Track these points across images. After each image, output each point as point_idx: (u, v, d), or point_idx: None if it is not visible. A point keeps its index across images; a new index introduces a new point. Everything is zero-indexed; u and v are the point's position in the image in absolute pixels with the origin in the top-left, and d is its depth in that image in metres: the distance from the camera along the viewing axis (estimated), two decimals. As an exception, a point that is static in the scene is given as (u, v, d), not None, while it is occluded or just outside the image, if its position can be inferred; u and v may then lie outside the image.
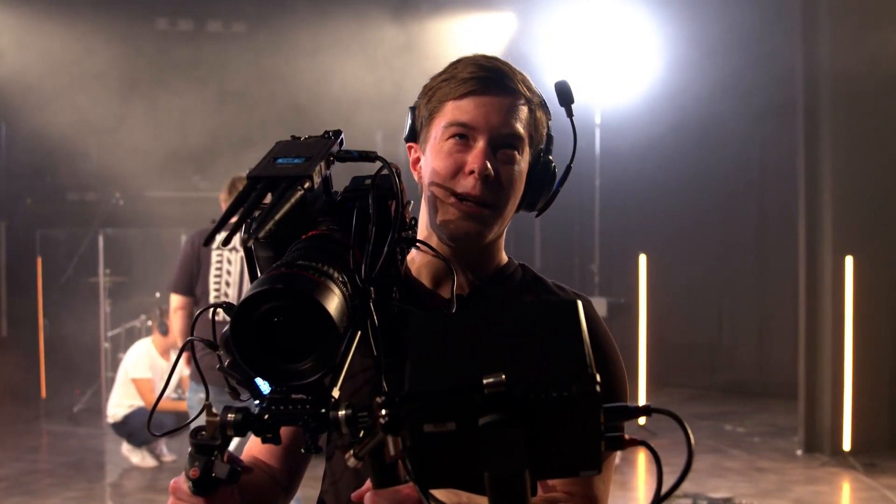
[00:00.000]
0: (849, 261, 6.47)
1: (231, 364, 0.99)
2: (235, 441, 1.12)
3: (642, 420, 6.85)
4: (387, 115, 6.96)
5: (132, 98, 8.07)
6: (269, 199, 0.97)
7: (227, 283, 4.49)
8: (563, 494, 1.33)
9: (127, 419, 6.54)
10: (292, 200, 0.94)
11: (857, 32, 6.26)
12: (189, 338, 1.12)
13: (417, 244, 1.29)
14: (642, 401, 7.11)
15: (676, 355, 9.14)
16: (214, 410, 1.04)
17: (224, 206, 4.67)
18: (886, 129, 6.58)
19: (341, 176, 1.17)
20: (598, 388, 0.78)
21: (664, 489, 0.83)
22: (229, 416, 1.02)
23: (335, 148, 1.09)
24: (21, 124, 8.36)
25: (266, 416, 0.98)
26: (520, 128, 1.41)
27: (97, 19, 7.94)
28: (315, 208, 1.10)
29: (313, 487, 1.52)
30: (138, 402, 6.56)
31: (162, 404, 6.06)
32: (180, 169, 8.64)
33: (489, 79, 1.40)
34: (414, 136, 1.49)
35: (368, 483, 1.03)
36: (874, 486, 5.89)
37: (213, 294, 4.49)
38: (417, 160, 1.48)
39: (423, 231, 1.46)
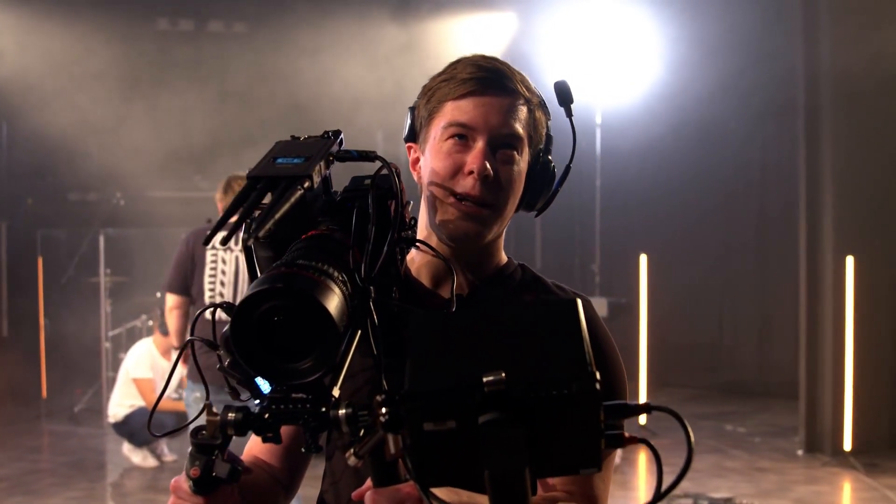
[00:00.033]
0: (849, 261, 6.46)
1: (231, 363, 0.99)
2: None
3: (643, 420, 6.86)
4: (387, 114, 6.95)
5: (133, 98, 8.07)
6: (268, 198, 0.97)
7: (222, 283, 4.47)
8: (563, 493, 1.33)
9: (128, 419, 6.54)
10: (292, 200, 0.94)
11: (858, 32, 6.25)
12: (189, 338, 1.12)
13: (417, 244, 1.29)
14: (643, 400, 7.10)
15: (677, 355, 9.12)
16: (214, 410, 1.04)
17: (220, 206, 4.66)
18: (887, 129, 6.58)
19: (341, 176, 1.17)
20: (597, 386, 0.78)
21: (664, 488, 0.83)
22: (230, 415, 1.02)
23: (335, 148, 1.09)
24: (22, 124, 8.35)
25: (266, 416, 0.99)
26: (519, 128, 1.41)
27: (97, 19, 7.94)
28: (315, 208, 1.10)
29: (313, 487, 1.52)
30: (139, 402, 6.57)
31: (163, 404, 6.06)
32: (181, 169, 8.63)
33: (488, 79, 1.41)
34: (413, 136, 1.49)
35: (369, 482, 1.03)
36: (875, 487, 5.88)
37: (207, 294, 4.46)
38: (417, 160, 1.48)
39: (422, 231, 1.46)
